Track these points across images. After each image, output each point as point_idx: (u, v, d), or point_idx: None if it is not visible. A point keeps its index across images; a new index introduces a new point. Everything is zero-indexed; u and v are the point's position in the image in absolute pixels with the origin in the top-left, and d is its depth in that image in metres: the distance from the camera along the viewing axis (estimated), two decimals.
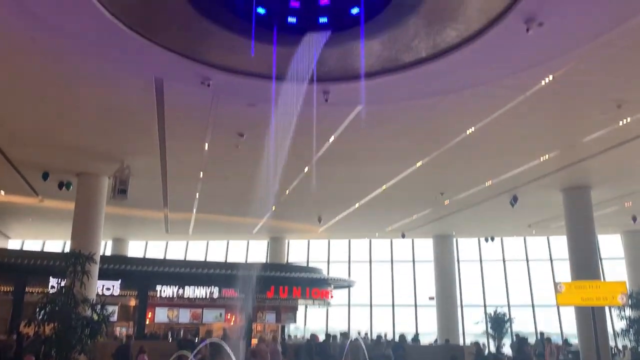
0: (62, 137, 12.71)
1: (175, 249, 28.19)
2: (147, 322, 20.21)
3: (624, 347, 16.15)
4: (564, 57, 8.24)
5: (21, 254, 20.58)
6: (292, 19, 7.40)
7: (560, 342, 19.48)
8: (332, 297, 23.19)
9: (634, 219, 19.99)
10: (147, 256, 26.45)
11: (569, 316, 18.21)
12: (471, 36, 7.67)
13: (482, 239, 25.88)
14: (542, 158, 13.62)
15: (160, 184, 16.36)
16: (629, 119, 10.81)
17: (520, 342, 16.97)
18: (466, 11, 7.26)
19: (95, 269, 13.56)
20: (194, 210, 20.14)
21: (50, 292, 14.10)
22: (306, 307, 25.65)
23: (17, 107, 10.84)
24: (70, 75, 9.28)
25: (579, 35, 7.62)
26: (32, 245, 27.28)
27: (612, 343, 16.68)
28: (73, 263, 10.55)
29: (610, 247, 24.59)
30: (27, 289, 17.66)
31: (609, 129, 11.41)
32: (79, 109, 10.92)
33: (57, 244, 26.65)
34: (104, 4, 6.99)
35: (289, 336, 23.76)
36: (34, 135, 12.54)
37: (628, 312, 16.08)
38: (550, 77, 8.94)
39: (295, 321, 23.72)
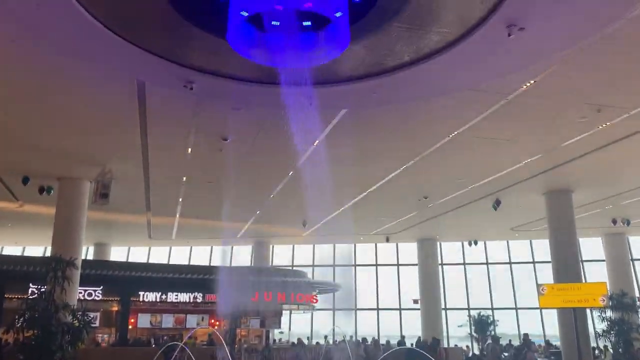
0: (43, 141, 12.49)
1: (158, 254, 27.88)
2: (130, 328, 19.95)
3: (605, 347, 16.32)
4: (545, 62, 8.35)
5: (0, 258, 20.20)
6: (275, 22, 7.37)
7: (542, 344, 19.60)
8: (316, 301, 23.13)
9: (614, 221, 20.28)
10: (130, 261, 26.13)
11: (552, 318, 18.35)
12: (454, 40, 7.74)
13: (466, 243, 26.01)
14: (524, 161, 13.75)
15: (143, 189, 16.19)
16: (608, 123, 10.96)
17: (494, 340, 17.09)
18: (448, 15, 7.30)
19: (76, 275, 13.35)
20: (177, 215, 19.96)
21: (30, 298, 13.81)
22: (290, 312, 25.54)
23: None
24: (51, 77, 9.15)
25: (559, 40, 7.71)
26: (12, 251, 26.77)
27: (593, 344, 16.83)
28: (53, 268, 10.35)
29: (592, 249, 24.86)
30: (6, 295, 17.32)
31: (589, 133, 11.56)
32: (60, 112, 10.76)
33: (38, 249, 26.19)
34: (84, 4, 6.90)
35: (274, 340, 23.63)
36: (14, 138, 12.30)
37: (609, 313, 16.22)
38: (532, 81, 9.04)
39: (279, 326, 23.58)
